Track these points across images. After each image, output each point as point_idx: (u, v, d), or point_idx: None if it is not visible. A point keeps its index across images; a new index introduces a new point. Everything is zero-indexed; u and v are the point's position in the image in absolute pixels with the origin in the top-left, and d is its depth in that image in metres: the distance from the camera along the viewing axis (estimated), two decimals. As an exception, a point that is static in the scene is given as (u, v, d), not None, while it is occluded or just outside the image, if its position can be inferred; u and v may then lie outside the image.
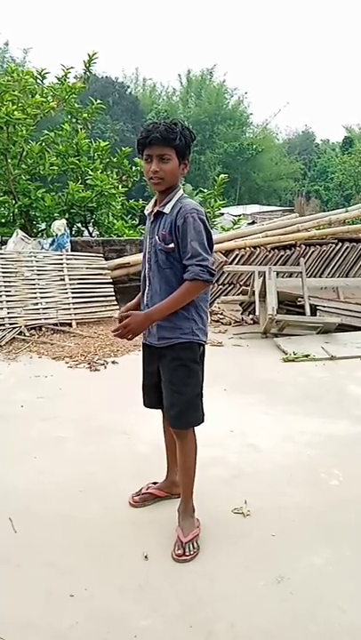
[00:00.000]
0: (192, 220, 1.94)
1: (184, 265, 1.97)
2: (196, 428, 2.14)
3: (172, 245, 1.98)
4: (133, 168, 8.11)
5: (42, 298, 5.74)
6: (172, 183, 2.01)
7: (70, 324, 5.72)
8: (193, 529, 2.13)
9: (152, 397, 2.24)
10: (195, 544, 2.08)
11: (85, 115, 7.84)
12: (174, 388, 2.08)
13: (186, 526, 2.13)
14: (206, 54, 65.19)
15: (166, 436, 2.36)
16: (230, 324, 6.07)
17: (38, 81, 7.65)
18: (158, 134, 1.89)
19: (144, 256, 2.13)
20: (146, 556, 2.05)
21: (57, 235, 6.40)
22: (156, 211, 2.04)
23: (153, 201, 2.12)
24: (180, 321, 2.03)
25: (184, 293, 1.97)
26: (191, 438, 2.14)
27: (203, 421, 2.14)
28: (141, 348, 2.25)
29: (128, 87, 30.52)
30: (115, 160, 8.03)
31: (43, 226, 7.60)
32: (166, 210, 2.01)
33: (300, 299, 5.72)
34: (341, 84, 72.13)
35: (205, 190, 8.77)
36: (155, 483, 2.44)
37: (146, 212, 2.14)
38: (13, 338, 5.22)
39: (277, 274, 5.91)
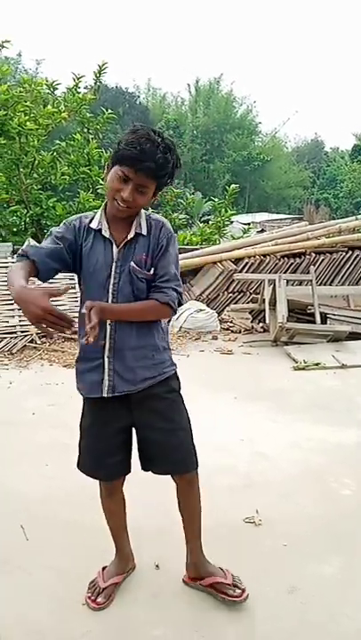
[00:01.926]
0: (173, 241, 1.71)
1: (153, 286, 1.68)
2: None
3: (152, 271, 1.67)
4: None
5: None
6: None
7: (81, 332, 5.75)
8: (219, 566, 1.94)
9: (121, 462, 1.82)
10: (237, 577, 1.91)
11: (97, 125, 7.93)
12: (176, 425, 1.77)
13: (214, 568, 1.92)
14: (215, 63, 65.76)
15: (111, 508, 1.94)
16: (240, 332, 6.07)
17: (50, 92, 7.76)
18: (154, 165, 1.54)
19: (99, 284, 1.66)
20: (157, 565, 2.05)
21: (68, 243, 6.45)
22: (134, 234, 1.67)
23: (100, 217, 1.69)
24: (160, 354, 1.75)
25: (147, 311, 1.67)
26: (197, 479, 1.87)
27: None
28: (90, 410, 1.79)
29: (138, 97, 30.80)
30: None
31: (54, 234, 7.66)
32: (144, 231, 1.68)
33: (310, 307, 5.71)
34: (351, 92, 72.30)
35: (216, 199, 8.81)
36: (104, 568, 1.99)
37: (105, 234, 1.67)
38: (25, 346, 5.26)
39: (287, 282, 5.92)
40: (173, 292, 1.67)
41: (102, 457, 1.80)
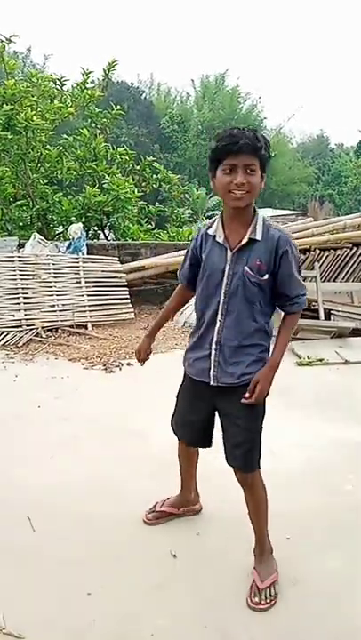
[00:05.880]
0: (294, 248, 1.81)
1: (279, 295, 1.85)
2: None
3: (266, 277, 1.79)
4: (154, 176, 8.24)
5: (58, 300, 5.81)
6: (254, 199, 1.78)
7: (86, 326, 5.78)
8: (272, 573, 1.94)
9: (197, 434, 2.06)
10: (273, 590, 1.88)
11: (105, 119, 7.92)
12: (243, 424, 1.89)
13: (263, 570, 1.95)
14: (220, 58, 65.18)
15: (182, 459, 2.26)
16: (244, 328, 6.08)
17: (57, 86, 7.75)
18: (248, 141, 1.65)
19: (214, 286, 1.84)
20: (174, 554, 2.08)
21: (74, 238, 6.48)
22: (248, 239, 1.78)
23: (217, 224, 1.85)
24: (262, 353, 1.90)
25: (292, 327, 1.93)
26: (260, 480, 1.97)
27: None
28: (187, 382, 2.05)
29: (143, 92, 30.64)
30: (138, 168, 8.17)
31: (60, 229, 7.70)
32: (258, 237, 1.78)
33: (314, 303, 5.71)
34: (357, 88, 71.78)
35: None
36: (168, 498, 2.35)
37: (219, 240, 1.82)
38: (30, 339, 5.30)
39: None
40: (302, 297, 1.88)
41: (186, 423, 2.08)
